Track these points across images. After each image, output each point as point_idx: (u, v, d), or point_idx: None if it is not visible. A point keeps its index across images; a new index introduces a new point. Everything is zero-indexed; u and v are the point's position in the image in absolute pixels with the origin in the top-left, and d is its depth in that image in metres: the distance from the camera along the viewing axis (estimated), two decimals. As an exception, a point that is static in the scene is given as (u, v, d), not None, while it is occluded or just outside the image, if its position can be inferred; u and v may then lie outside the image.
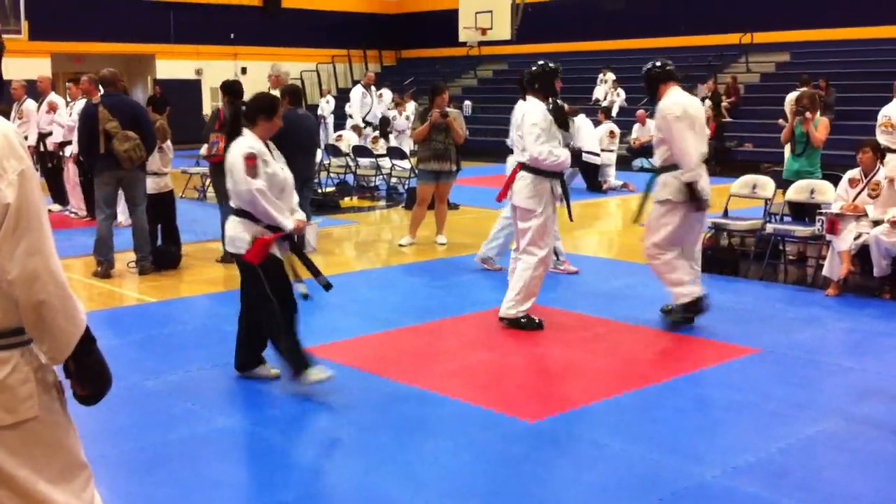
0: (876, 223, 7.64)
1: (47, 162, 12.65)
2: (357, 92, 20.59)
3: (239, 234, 5.24)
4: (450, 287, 8.17)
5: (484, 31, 22.76)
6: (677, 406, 5.13)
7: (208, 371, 5.78)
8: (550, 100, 6.63)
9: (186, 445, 4.59)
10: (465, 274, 8.59)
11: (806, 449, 4.52)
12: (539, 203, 6.62)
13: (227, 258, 9.16)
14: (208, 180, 12.17)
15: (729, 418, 4.95)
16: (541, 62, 6.84)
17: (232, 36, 28.18)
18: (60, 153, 12.37)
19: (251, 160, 5.17)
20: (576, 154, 10.00)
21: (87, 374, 2.41)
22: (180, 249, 9.25)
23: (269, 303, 5.27)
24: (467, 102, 24.96)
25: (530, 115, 6.58)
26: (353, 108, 20.07)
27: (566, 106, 6.41)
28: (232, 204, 5.31)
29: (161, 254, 9.00)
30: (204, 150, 9.23)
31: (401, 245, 10.08)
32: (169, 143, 9.52)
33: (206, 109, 25.77)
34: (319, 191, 13.67)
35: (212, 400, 5.28)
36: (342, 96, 25.98)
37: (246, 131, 5.33)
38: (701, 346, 6.30)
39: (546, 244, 6.72)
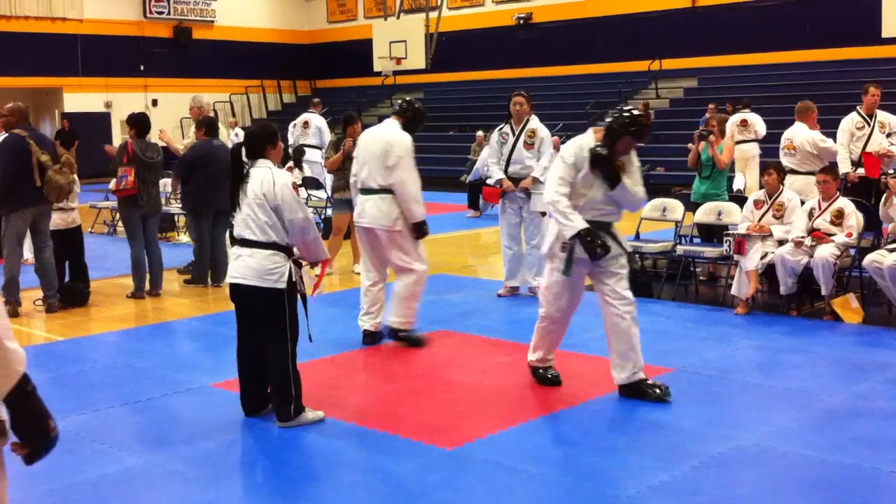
0: (781, 243, 7.85)
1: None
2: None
3: (270, 266, 5.12)
4: (367, 316, 8.15)
5: (399, 61, 22.87)
6: (593, 428, 5.18)
7: (118, 409, 5.64)
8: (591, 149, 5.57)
9: (96, 487, 4.46)
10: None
11: (719, 466, 4.59)
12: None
13: (139, 295, 9.01)
14: (117, 215, 11.93)
15: (643, 438, 5.01)
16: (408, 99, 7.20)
17: (142, 68, 27.81)
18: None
19: (296, 188, 5.22)
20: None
21: (23, 427, 2.31)
22: (89, 286, 9.03)
23: (286, 340, 5.19)
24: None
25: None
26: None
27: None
28: (252, 236, 5.15)
29: (69, 290, 8.78)
30: (112, 184, 9.05)
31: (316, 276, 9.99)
32: (75, 177, 9.31)
33: (117, 142, 25.32)
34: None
35: (122, 439, 5.15)
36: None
37: (267, 162, 5.27)
38: (616, 367, 6.36)
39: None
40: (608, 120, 5.63)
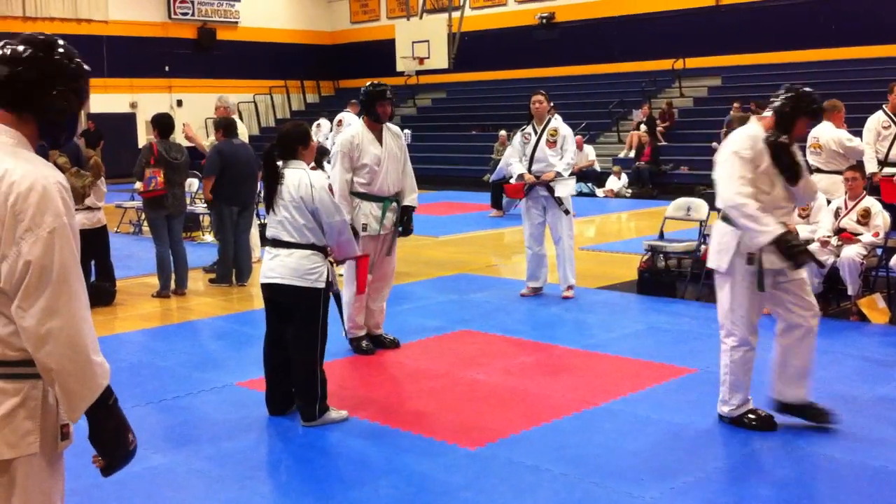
0: (807, 242, 7.78)
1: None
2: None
3: (309, 266, 5.15)
4: (390, 316, 8.14)
5: (421, 61, 22.91)
6: (616, 428, 5.16)
7: (143, 408, 5.68)
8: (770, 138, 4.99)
9: (121, 486, 4.48)
10: (404, 303, 8.56)
11: (743, 468, 4.56)
12: None
13: (164, 294, 9.07)
14: (143, 215, 12.02)
15: (667, 439, 4.98)
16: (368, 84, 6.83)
17: (167, 69, 27.98)
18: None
19: (332, 190, 5.27)
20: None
21: (102, 440, 2.33)
22: (114, 285, 9.10)
23: (317, 339, 5.21)
24: (407, 131, 25.02)
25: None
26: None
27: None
28: (290, 238, 5.18)
29: (95, 290, 8.83)
30: (139, 185, 9.11)
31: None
32: (102, 178, 9.39)
33: (142, 143, 25.49)
34: (262, 221, 13.56)
35: (147, 438, 5.16)
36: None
37: (300, 163, 5.29)
38: (639, 367, 6.35)
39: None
40: (778, 104, 4.99)
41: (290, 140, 5.36)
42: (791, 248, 4.80)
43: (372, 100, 6.70)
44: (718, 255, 5.07)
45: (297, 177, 5.19)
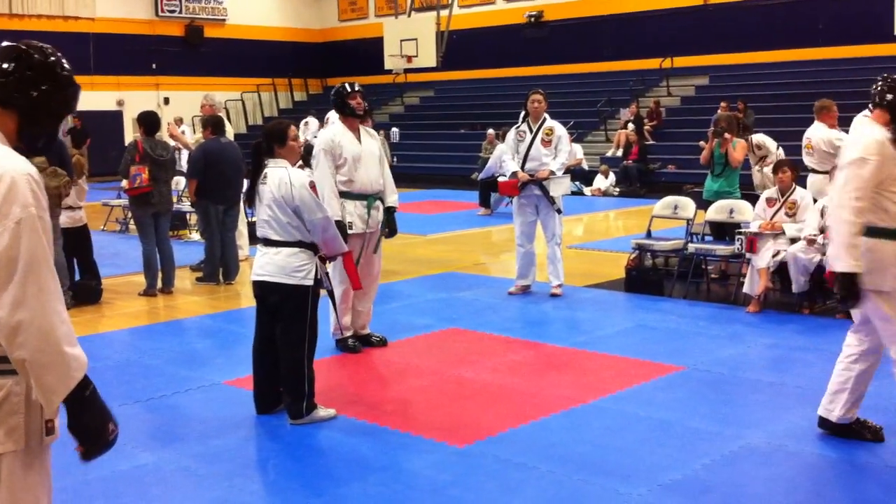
0: (793, 241, 7.83)
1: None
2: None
3: (297, 263, 5.16)
4: (378, 314, 8.14)
5: (409, 59, 22.89)
6: (604, 426, 5.17)
7: (130, 406, 5.66)
8: None
9: (108, 483, 4.48)
10: (392, 301, 8.56)
11: (730, 465, 4.58)
12: None
13: (151, 292, 9.04)
14: (129, 213, 11.97)
15: (654, 436, 5.00)
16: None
17: (154, 66, 27.90)
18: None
19: (314, 188, 5.23)
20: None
21: (80, 430, 2.33)
22: (100, 283, 9.07)
23: (305, 337, 5.21)
24: (395, 129, 25.06)
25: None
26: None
27: None
28: (277, 237, 5.18)
29: (81, 288, 8.81)
30: (125, 183, 9.08)
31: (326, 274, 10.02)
32: (84, 176, 9.37)
33: (128, 141, 25.45)
34: (250, 220, 13.54)
35: (134, 436, 5.15)
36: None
37: (282, 161, 5.28)
38: (626, 365, 6.36)
39: None
40: (891, 97, 4.54)
41: (267, 138, 5.36)
42: (849, 290, 4.44)
43: (342, 97, 6.73)
44: (878, 275, 4.46)
45: (277, 175, 5.20)
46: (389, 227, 6.96)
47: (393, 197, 6.99)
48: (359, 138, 6.75)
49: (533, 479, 4.42)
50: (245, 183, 11.14)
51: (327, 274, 5.50)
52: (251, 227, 9.19)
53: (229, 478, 4.52)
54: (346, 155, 6.63)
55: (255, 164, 5.35)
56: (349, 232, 6.53)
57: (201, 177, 9.38)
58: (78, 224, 9.05)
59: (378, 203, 6.81)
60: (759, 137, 10.89)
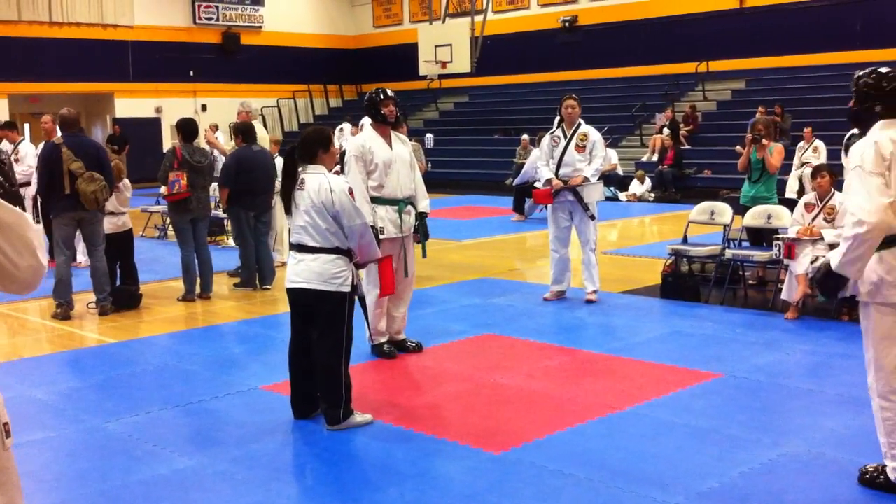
0: (832, 246, 7.74)
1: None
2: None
3: (335, 270, 5.18)
4: (413, 320, 8.17)
5: (444, 65, 22.94)
6: (641, 433, 5.15)
7: (169, 411, 5.72)
8: None
9: (148, 487, 4.53)
10: (427, 307, 8.59)
11: (768, 473, 4.54)
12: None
13: (189, 298, 9.13)
14: (168, 219, 12.10)
15: (692, 444, 4.97)
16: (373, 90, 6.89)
17: (191, 73, 28.19)
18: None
19: (352, 193, 5.27)
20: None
21: None
22: (139, 289, 9.18)
23: (343, 343, 5.24)
24: (429, 135, 25.10)
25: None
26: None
27: None
28: (314, 243, 5.20)
29: (121, 293, 8.92)
30: (163, 189, 9.19)
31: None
32: (127, 181, 9.50)
33: (167, 147, 25.73)
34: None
35: (173, 440, 5.22)
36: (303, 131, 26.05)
37: (320, 167, 5.31)
38: (663, 372, 6.33)
39: None
40: None
41: (311, 143, 5.38)
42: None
43: (375, 103, 6.77)
44: None
45: (317, 181, 5.21)
46: (421, 231, 6.99)
47: (424, 202, 7.02)
48: (390, 144, 6.78)
49: (569, 486, 4.42)
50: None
51: (361, 281, 5.53)
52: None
53: (266, 482, 4.56)
54: (377, 160, 6.67)
55: (289, 171, 5.36)
56: (381, 237, 6.56)
57: (233, 185, 9.47)
58: (122, 229, 9.19)
59: (409, 208, 6.84)
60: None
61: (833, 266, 4.10)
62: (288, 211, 5.35)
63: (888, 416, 4.19)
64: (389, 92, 6.86)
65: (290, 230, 5.51)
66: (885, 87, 4.36)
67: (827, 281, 4.20)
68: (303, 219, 5.24)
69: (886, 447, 4.25)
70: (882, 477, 4.30)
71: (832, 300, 4.32)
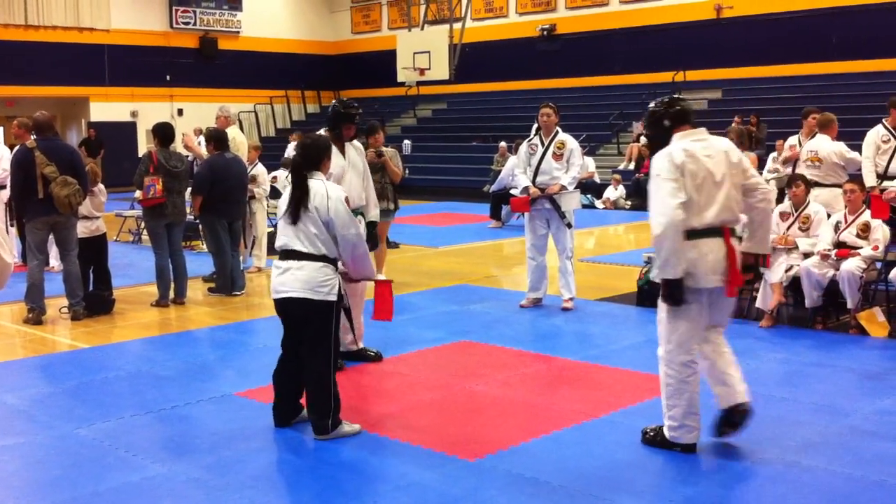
0: (806, 255, 7.80)
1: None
2: None
3: (321, 279, 5.11)
4: (388, 326, 8.13)
5: (422, 72, 22.96)
6: (616, 440, 5.15)
7: (142, 417, 5.67)
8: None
9: (119, 494, 4.48)
10: (404, 313, 8.55)
11: (742, 481, 4.55)
12: None
13: (163, 303, 9.06)
14: (142, 223, 12.01)
15: (666, 452, 4.96)
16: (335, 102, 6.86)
17: (168, 78, 28.04)
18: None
19: (349, 202, 5.23)
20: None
21: None
22: (112, 294, 9.10)
23: (330, 353, 5.19)
24: (406, 141, 25.11)
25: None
26: None
27: None
28: (303, 248, 5.13)
29: (94, 298, 8.84)
30: (139, 193, 9.12)
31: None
32: (101, 186, 9.41)
33: (142, 152, 25.59)
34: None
35: (145, 447, 5.17)
36: (282, 136, 25.99)
37: (318, 174, 5.27)
38: (638, 380, 6.34)
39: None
40: None
41: (317, 152, 5.33)
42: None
43: (339, 120, 6.73)
44: None
45: (314, 188, 5.19)
46: (370, 241, 6.90)
47: (374, 211, 7.01)
48: (343, 152, 6.74)
49: (544, 493, 4.41)
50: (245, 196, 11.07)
51: (347, 291, 5.48)
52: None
53: (240, 489, 4.52)
54: (331, 169, 6.62)
55: (299, 183, 5.21)
56: None
57: (207, 193, 9.40)
58: (95, 234, 9.11)
59: (360, 218, 6.75)
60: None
61: (654, 277, 4.79)
62: (295, 221, 5.21)
63: (670, 381, 4.84)
64: (357, 114, 6.76)
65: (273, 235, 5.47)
66: (674, 106, 4.99)
67: (666, 292, 4.71)
68: (300, 225, 5.20)
69: (665, 408, 4.89)
70: (660, 437, 4.95)
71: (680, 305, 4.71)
